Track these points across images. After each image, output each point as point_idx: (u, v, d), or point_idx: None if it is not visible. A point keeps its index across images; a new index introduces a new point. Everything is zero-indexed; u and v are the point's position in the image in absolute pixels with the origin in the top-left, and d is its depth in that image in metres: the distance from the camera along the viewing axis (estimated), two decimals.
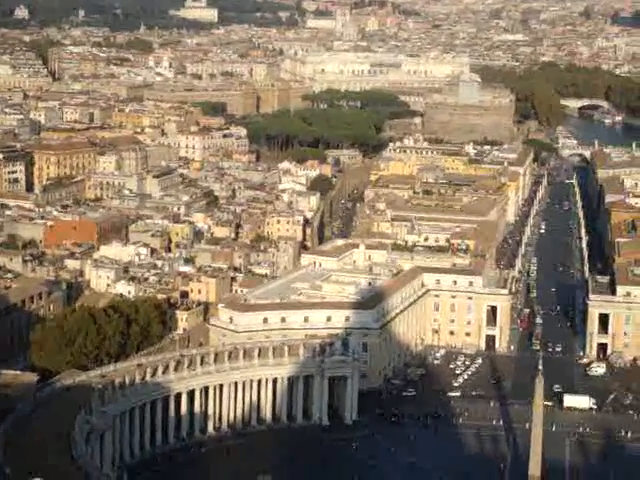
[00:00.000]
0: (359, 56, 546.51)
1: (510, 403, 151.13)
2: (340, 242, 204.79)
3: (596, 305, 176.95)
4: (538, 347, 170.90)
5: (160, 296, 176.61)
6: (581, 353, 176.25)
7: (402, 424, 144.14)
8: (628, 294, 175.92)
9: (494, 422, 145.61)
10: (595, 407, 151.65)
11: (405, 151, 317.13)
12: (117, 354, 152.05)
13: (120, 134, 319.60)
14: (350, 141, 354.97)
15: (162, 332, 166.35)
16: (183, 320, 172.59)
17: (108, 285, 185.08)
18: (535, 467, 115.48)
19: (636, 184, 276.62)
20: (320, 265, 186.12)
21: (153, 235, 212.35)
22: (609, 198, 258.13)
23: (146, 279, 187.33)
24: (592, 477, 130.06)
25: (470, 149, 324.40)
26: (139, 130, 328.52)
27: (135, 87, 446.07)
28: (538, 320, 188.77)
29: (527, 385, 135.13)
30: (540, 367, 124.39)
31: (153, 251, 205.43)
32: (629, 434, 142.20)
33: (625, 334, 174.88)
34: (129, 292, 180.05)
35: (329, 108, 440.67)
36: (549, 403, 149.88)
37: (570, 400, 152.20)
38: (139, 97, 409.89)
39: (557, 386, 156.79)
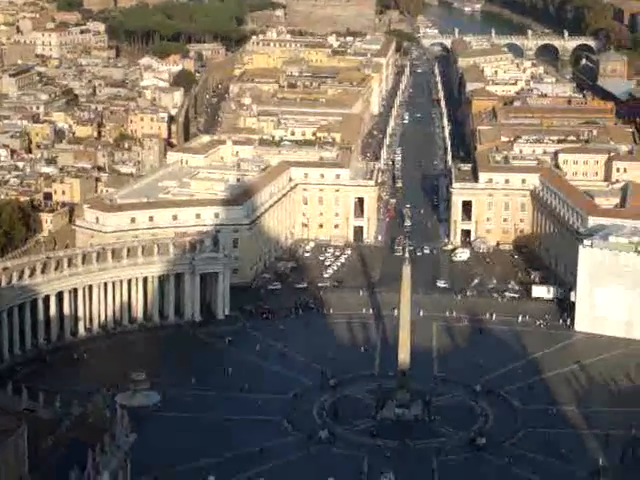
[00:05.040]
0: None
1: (379, 292, 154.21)
2: (206, 138, 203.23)
3: (459, 193, 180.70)
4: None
5: (23, 198, 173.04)
6: (446, 240, 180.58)
7: (274, 317, 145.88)
8: (490, 181, 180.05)
9: (363, 311, 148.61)
10: (563, 297, 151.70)
11: (269, 44, 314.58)
12: None
13: None
14: (212, 34, 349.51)
15: (26, 235, 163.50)
16: (48, 222, 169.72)
17: None
18: (403, 350, 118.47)
19: (495, 72, 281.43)
20: (187, 162, 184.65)
21: (12, 136, 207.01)
22: (470, 87, 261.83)
23: (7, 181, 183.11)
24: (459, 359, 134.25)
25: (333, 41, 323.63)
26: None
27: None
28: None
29: (394, 274, 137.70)
30: (406, 255, 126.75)
31: (13, 152, 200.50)
32: (493, 316, 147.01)
33: (488, 220, 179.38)
34: None
35: (189, 1, 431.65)
36: (515, 295, 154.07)
37: (538, 291, 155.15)
38: None
39: (442, 281, 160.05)
